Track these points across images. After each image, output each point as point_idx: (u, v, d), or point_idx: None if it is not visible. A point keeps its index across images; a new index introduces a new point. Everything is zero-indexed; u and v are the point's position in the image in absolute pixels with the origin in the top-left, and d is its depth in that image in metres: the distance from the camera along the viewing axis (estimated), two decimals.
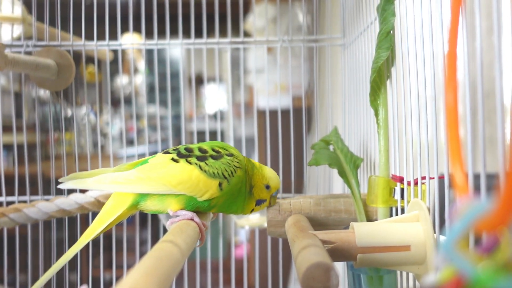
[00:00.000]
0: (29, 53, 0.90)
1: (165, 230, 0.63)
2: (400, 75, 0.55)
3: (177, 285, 0.94)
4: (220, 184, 0.59)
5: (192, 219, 0.58)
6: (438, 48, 0.45)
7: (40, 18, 0.91)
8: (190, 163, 0.59)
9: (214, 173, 0.59)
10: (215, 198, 0.59)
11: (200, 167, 0.59)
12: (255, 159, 0.75)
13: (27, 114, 1.01)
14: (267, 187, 0.64)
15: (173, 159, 0.60)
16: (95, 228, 0.59)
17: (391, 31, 0.56)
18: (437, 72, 0.47)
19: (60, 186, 0.61)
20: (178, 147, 0.63)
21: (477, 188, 0.37)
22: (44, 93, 1.30)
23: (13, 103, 1.16)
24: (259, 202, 0.64)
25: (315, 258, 0.40)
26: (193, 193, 0.58)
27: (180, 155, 0.60)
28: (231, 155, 0.61)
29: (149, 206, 0.59)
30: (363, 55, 0.75)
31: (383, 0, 0.57)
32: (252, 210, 0.65)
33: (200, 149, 0.61)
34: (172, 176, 0.58)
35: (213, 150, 0.61)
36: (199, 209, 0.60)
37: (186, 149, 0.61)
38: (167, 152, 0.61)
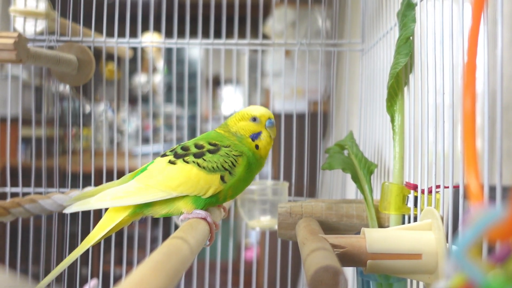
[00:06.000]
0: (51, 47, 0.92)
1: (176, 228, 0.64)
2: (418, 82, 0.55)
3: (186, 284, 0.95)
4: (222, 177, 0.58)
5: (205, 219, 0.57)
6: (458, 56, 0.44)
7: (63, 14, 0.93)
8: (187, 162, 0.58)
9: (213, 167, 0.57)
10: (222, 191, 0.58)
11: (198, 164, 0.57)
12: (268, 162, 0.75)
13: (47, 108, 1.02)
14: (254, 119, 0.62)
15: (170, 161, 0.58)
16: (95, 235, 0.58)
17: (411, 37, 0.56)
18: (456, 81, 0.46)
19: (65, 211, 0.61)
20: (175, 147, 0.61)
21: (492, 200, 0.37)
22: (64, 88, 1.32)
23: (33, 97, 1.18)
24: (253, 137, 0.62)
25: (324, 262, 0.39)
26: (196, 192, 0.57)
27: (176, 155, 0.59)
28: (228, 146, 0.60)
29: (158, 211, 0.59)
30: (381, 61, 0.75)
31: (404, 6, 0.57)
32: (257, 147, 0.62)
33: (196, 145, 0.59)
34: (171, 180, 0.57)
35: (210, 144, 0.60)
36: (210, 205, 0.59)
37: (182, 148, 0.60)
38: (164, 155, 0.60)
